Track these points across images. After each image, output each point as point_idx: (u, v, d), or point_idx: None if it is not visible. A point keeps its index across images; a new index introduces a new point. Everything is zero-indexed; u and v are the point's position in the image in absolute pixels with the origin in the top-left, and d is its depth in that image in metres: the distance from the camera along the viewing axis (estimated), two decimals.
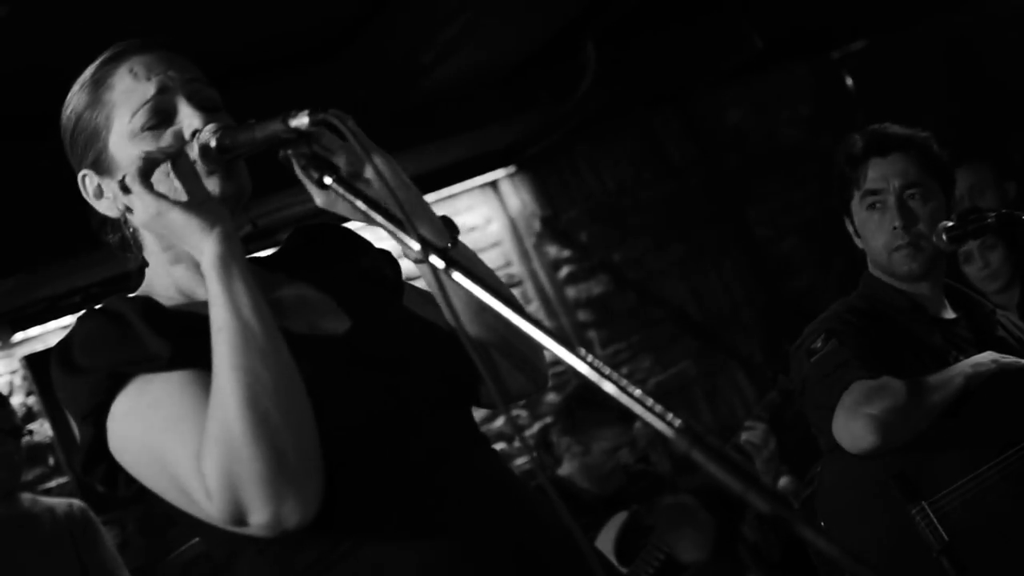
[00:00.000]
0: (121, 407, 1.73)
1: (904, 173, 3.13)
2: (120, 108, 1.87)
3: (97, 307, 1.83)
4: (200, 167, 1.83)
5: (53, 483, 5.52)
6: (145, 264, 1.98)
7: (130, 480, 1.77)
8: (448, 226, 1.92)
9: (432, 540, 1.75)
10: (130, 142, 1.86)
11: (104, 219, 1.97)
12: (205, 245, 1.73)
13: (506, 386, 2.02)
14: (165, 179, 1.82)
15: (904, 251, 3.11)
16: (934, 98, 8.03)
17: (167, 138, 1.85)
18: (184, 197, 1.79)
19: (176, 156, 1.82)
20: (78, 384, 1.75)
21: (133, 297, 1.90)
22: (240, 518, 1.61)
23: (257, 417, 1.60)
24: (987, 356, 2.98)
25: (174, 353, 1.72)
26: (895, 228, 3.10)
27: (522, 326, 1.48)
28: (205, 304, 1.85)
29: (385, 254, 2.15)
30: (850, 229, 3.27)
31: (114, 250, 2.01)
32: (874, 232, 3.16)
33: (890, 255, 3.13)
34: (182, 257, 1.92)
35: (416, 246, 1.58)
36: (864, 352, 2.97)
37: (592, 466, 5.28)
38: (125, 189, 1.81)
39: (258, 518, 1.61)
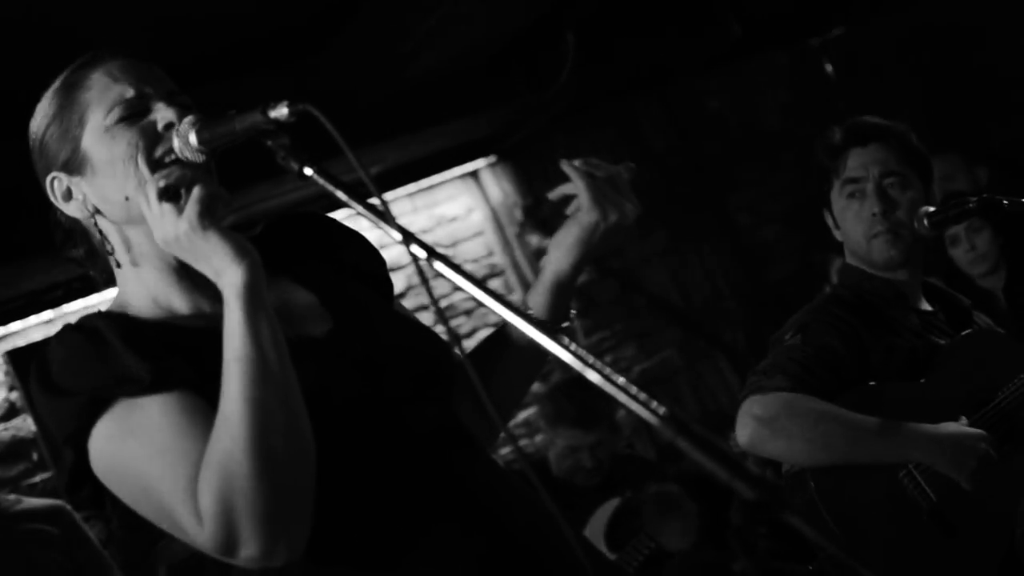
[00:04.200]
0: (102, 432, 1.71)
1: (884, 162, 3.15)
2: (96, 105, 1.85)
3: (74, 324, 1.81)
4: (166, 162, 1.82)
5: (37, 478, 5.51)
6: (112, 275, 1.94)
7: (116, 502, 1.76)
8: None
9: (418, 539, 1.76)
10: (104, 136, 1.84)
11: (70, 231, 1.95)
12: (232, 272, 1.69)
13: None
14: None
15: (883, 237, 3.12)
16: (914, 85, 8.04)
17: (140, 130, 1.83)
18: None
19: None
20: (59, 407, 1.73)
21: (110, 314, 1.88)
22: (230, 550, 1.62)
23: (266, 454, 1.60)
24: (976, 441, 2.93)
25: (155, 375, 1.70)
26: (874, 215, 3.12)
27: (508, 317, 1.48)
28: (184, 317, 1.84)
29: (372, 249, 2.13)
30: (829, 221, 3.28)
31: (79, 263, 1.97)
32: (853, 220, 3.17)
33: (869, 242, 3.14)
34: (144, 260, 1.89)
35: (397, 236, 1.58)
36: (821, 352, 2.99)
37: (555, 459, 5.31)
38: (166, 197, 1.74)
39: (248, 552, 1.61)
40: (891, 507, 2.92)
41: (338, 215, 2.32)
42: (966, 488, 2.87)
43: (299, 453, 1.64)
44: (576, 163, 2.04)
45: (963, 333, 3.16)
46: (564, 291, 2.12)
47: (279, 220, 2.13)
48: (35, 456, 5.54)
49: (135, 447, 1.68)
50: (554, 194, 2.09)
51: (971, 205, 3.08)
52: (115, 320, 1.81)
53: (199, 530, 1.62)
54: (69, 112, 1.87)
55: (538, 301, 2.12)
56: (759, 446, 2.91)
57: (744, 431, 2.91)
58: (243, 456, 1.59)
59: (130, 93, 1.85)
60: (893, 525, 2.91)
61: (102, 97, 1.85)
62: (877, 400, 2.95)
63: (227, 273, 1.70)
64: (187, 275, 1.86)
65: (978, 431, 2.93)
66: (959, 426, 2.94)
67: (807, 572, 3.07)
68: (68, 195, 1.90)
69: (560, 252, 2.09)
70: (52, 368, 1.76)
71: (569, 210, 2.08)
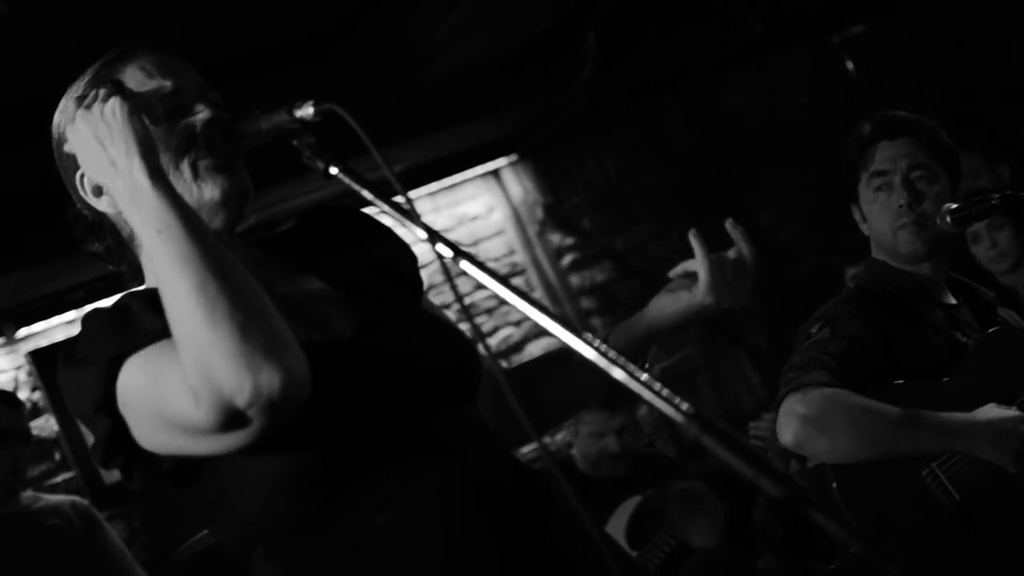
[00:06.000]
0: (123, 379, 1.70)
1: (911, 155, 3.16)
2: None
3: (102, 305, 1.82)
4: (206, 164, 1.83)
5: (59, 478, 5.53)
6: (138, 266, 1.94)
7: (143, 471, 1.76)
8: None
9: (440, 538, 1.76)
10: None
11: (93, 225, 1.95)
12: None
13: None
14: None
15: (909, 229, 3.13)
16: (935, 82, 8.02)
17: (178, 133, 1.83)
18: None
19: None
20: (79, 376, 1.73)
21: (141, 292, 1.87)
22: (228, 409, 1.57)
23: (209, 300, 1.57)
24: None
25: (166, 327, 1.67)
26: (900, 206, 3.12)
27: (531, 314, 1.49)
28: None
29: (403, 246, 2.13)
30: (856, 215, 3.28)
31: (97, 257, 1.97)
32: (880, 212, 3.18)
33: (895, 233, 3.15)
34: None
35: (423, 235, 1.58)
36: (853, 344, 2.98)
37: (580, 448, 5.33)
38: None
39: (242, 399, 1.56)
40: (914, 506, 2.91)
41: None
42: (1013, 471, 2.86)
43: (244, 290, 1.62)
44: (730, 226, 2.09)
45: (989, 331, 3.15)
46: (649, 341, 2.21)
47: (311, 212, 2.13)
48: (57, 456, 5.56)
49: (148, 373, 1.68)
50: (676, 271, 2.17)
51: (994, 202, 3.08)
52: (143, 296, 1.81)
53: (200, 413, 1.59)
54: None
55: (622, 339, 2.19)
56: (804, 445, 2.89)
57: (789, 430, 2.89)
58: (194, 314, 1.57)
59: (168, 87, 1.85)
60: (916, 524, 2.90)
61: (138, 92, 1.84)
62: (902, 399, 2.94)
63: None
64: None
65: (1017, 413, 2.91)
66: (997, 409, 2.92)
67: (830, 571, 3.05)
68: (99, 191, 1.88)
69: (661, 313, 2.19)
70: (76, 346, 1.77)
71: (674, 273, 2.17)
